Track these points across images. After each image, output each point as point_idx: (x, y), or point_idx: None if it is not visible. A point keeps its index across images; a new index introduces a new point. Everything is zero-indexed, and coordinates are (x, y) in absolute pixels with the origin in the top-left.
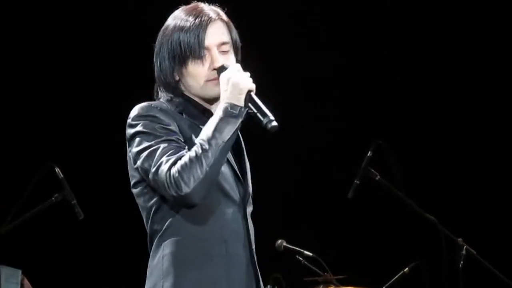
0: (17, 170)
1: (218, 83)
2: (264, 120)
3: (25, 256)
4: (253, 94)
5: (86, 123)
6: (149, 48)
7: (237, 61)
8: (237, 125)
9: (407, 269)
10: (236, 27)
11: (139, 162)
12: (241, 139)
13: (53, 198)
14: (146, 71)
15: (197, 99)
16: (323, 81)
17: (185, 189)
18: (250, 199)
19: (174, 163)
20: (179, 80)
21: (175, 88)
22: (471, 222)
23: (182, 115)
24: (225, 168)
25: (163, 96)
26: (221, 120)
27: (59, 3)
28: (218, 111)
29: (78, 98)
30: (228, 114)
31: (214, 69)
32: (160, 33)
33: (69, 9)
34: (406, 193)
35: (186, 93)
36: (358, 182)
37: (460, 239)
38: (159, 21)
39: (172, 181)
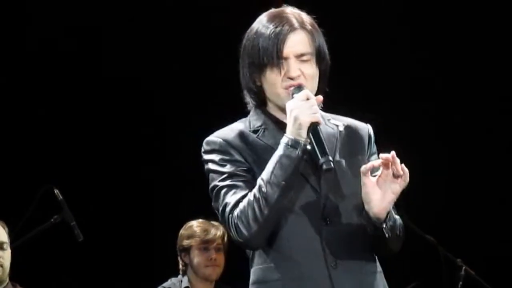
0: (17, 192)
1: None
2: (322, 160)
3: (23, 278)
4: (318, 127)
5: (86, 144)
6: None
7: (321, 71)
8: (296, 162)
9: None
10: (325, 34)
11: (212, 202)
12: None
13: (52, 220)
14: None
15: (276, 109)
16: None
17: (245, 235)
18: (345, 212)
19: (236, 205)
20: (261, 85)
21: (257, 93)
22: (471, 243)
23: (257, 134)
24: (298, 188)
25: (249, 102)
26: (281, 158)
27: None
28: (279, 146)
29: (77, 118)
30: (287, 150)
31: (289, 78)
32: (245, 36)
33: None
34: (406, 212)
35: (267, 100)
36: None
37: (459, 260)
38: None
39: (233, 225)
